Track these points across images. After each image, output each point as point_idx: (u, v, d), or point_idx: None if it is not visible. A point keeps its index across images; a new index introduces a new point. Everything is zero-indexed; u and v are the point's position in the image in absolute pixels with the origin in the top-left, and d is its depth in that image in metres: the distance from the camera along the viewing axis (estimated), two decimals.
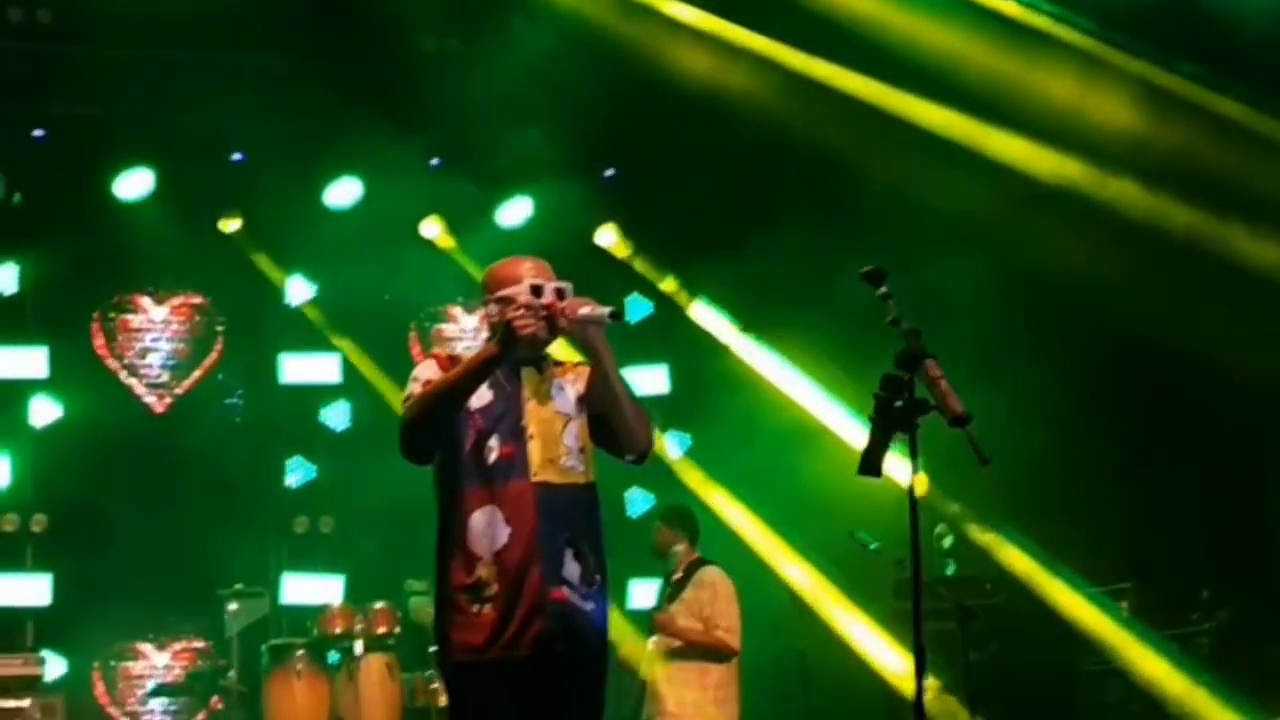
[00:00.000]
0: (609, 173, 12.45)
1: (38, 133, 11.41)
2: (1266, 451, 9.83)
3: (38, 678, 10.23)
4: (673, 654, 8.01)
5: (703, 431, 11.96)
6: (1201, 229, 9.66)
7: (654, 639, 8.09)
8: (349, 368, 12.05)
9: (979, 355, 8.35)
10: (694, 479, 11.61)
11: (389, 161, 11.39)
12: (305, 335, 12.13)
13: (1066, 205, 10.17)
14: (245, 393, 12.20)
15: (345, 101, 11.64)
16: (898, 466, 4.52)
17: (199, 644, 11.57)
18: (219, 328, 12.13)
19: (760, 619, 8.67)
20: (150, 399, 11.91)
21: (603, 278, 11.50)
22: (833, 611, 10.75)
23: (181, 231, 11.33)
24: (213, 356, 12.08)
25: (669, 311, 12.45)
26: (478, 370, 4.70)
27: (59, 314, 11.62)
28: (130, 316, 12.00)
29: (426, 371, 4.81)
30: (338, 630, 10.28)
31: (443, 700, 9.26)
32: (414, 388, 4.77)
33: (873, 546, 8.54)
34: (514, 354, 4.74)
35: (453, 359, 4.88)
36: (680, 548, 8.24)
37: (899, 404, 4.45)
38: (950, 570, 10.73)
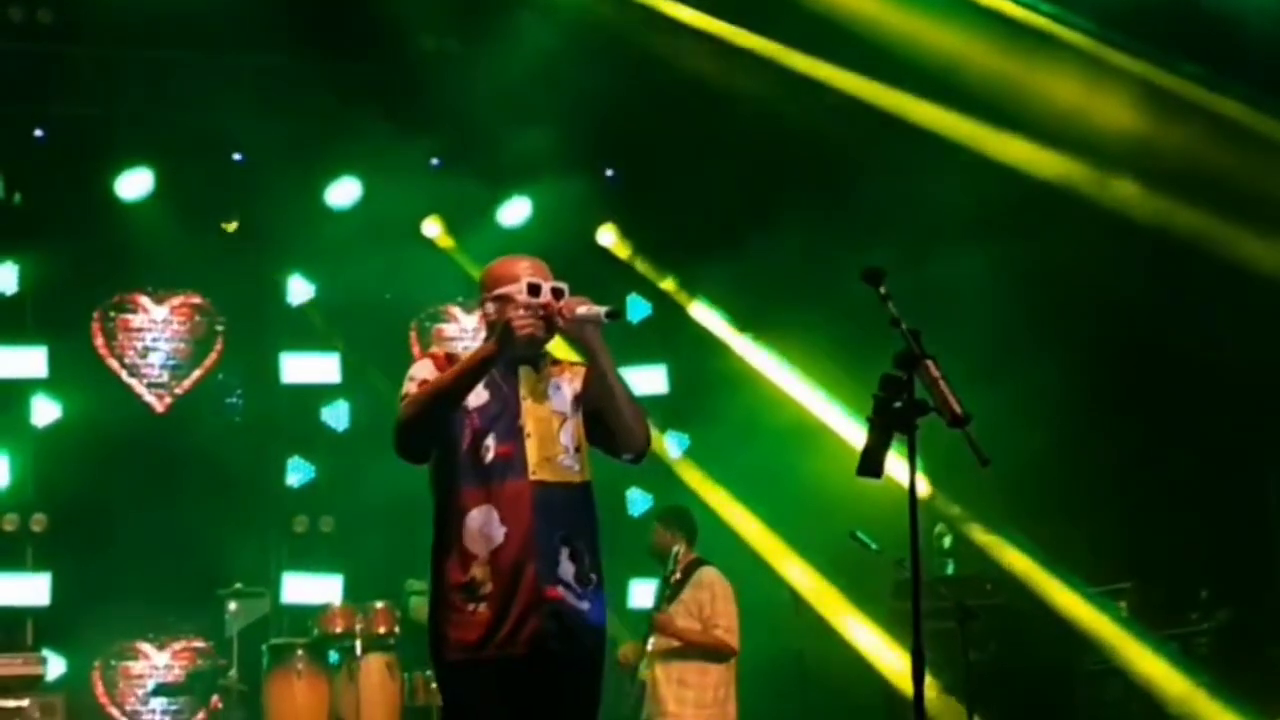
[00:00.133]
0: (609, 172, 12.44)
1: (38, 133, 11.41)
2: (1267, 452, 9.83)
3: (38, 677, 10.22)
4: (672, 654, 8.02)
5: (702, 431, 11.96)
6: (1205, 229, 9.66)
7: (653, 639, 8.10)
8: (349, 367, 12.05)
9: (980, 355, 8.34)
10: (693, 479, 11.61)
11: (389, 161, 11.40)
12: (305, 335, 12.14)
13: (1068, 205, 10.18)
14: (245, 392, 12.21)
15: (345, 101, 11.65)
16: (898, 467, 4.52)
17: (199, 643, 11.57)
18: (219, 327, 12.13)
19: (759, 619, 8.68)
20: (150, 399, 11.91)
21: (603, 277, 11.51)
22: (832, 611, 10.75)
23: (181, 231, 11.33)
24: (213, 356, 12.08)
25: (668, 311, 12.45)
26: (474, 369, 4.70)
27: (59, 314, 11.62)
28: (130, 316, 12.00)
29: (423, 371, 4.81)
30: (338, 630, 10.27)
31: None
32: (410, 387, 4.78)
33: (873, 547, 8.54)
34: (511, 353, 4.75)
35: (449, 358, 4.88)
36: (678, 548, 8.24)
37: (898, 404, 4.46)
38: (950, 570, 10.74)
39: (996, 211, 10.08)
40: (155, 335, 12.00)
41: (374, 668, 10.12)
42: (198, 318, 12.13)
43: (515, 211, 12.15)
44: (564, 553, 4.72)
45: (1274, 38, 9.35)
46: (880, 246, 9.18)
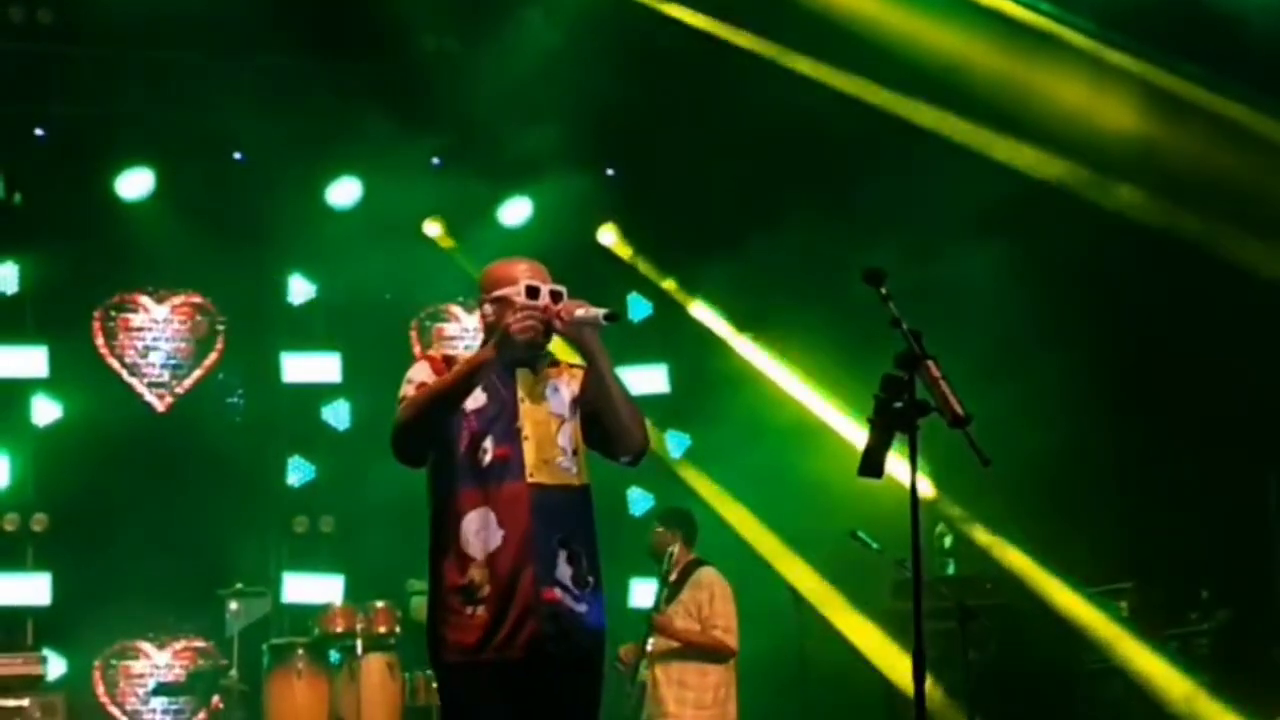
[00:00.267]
0: (610, 172, 12.44)
1: (38, 132, 11.41)
2: (1266, 452, 9.83)
3: (39, 677, 10.22)
4: (671, 655, 8.02)
5: (703, 431, 11.96)
6: (1206, 229, 9.66)
7: (652, 640, 8.10)
8: (349, 367, 12.05)
9: (980, 355, 8.34)
10: (693, 479, 11.62)
11: (390, 161, 11.40)
12: (306, 335, 12.14)
13: (1070, 205, 10.18)
14: (246, 392, 12.20)
15: (345, 101, 11.66)
16: (899, 467, 4.53)
17: (200, 643, 11.57)
18: (220, 327, 12.13)
19: (760, 618, 8.68)
20: (151, 398, 11.91)
21: (603, 277, 11.51)
22: (832, 611, 10.75)
23: (182, 231, 11.32)
24: (213, 356, 12.07)
25: (669, 311, 12.45)
26: (472, 373, 4.70)
27: (60, 313, 11.61)
28: (131, 316, 12.00)
29: (420, 374, 4.82)
30: (338, 629, 10.27)
31: None
32: (408, 390, 4.78)
33: (874, 546, 8.54)
34: (509, 356, 4.75)
35: (447, 360, 4.88)
36: (673, 549, 8.25)
37: (899, 405, 4.46)
38: (951, 570, 10.74)
39: (998, 211, 10.08)
40: (156, 335, 12.00)
41: (375, 668, 10.12)
42: (198, 317, 12.13)
43: (516, 211, 12.15)
44: (561, 555, 4.73)
45: (1276, 37, 9.34)
46: (881, 247, 9.18)
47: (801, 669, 8.98)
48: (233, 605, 10.27)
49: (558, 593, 4.69)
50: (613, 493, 11.39)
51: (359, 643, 10.16)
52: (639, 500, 12.18)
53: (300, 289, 12.11)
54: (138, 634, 11.56)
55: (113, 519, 10.99)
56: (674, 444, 12.34)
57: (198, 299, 12.13)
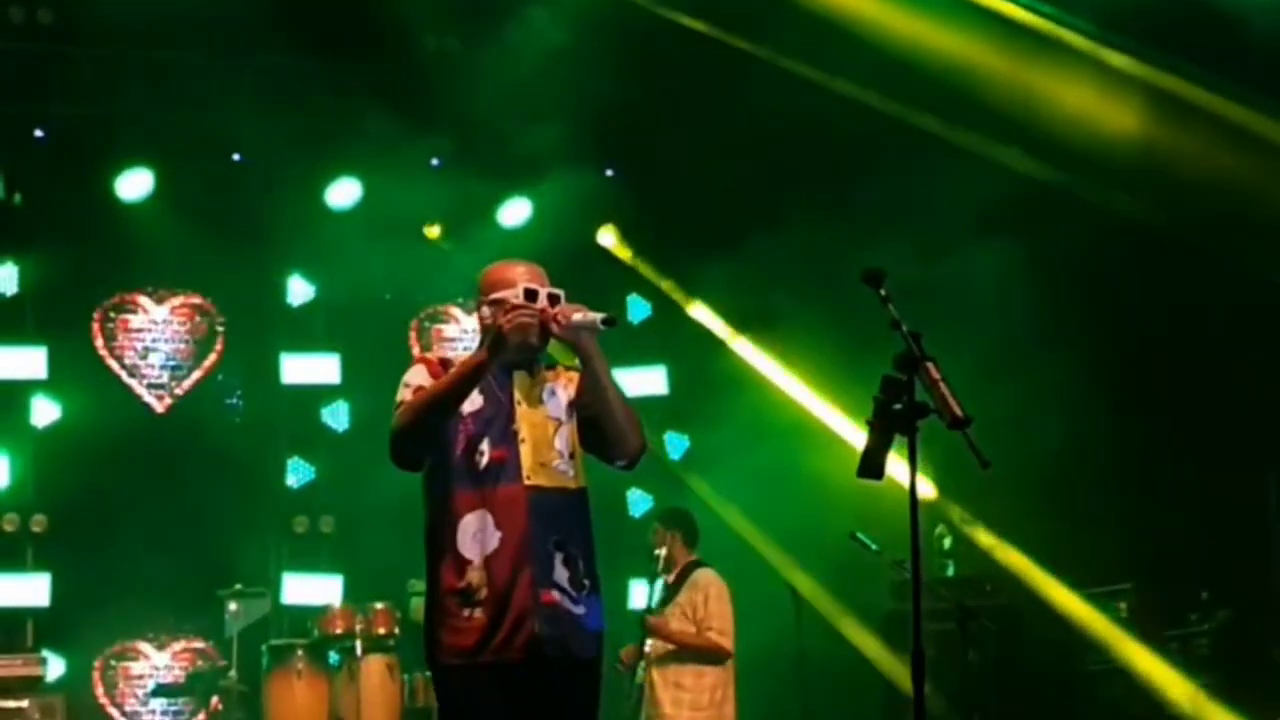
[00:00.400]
0: (610, 173, 12.44)
1: (38, 133, 11.41)
2: (1266, 453, 9.83)
3: (38, 678, 10.22)
4: (668, 657, 8.01)
5: (702, 433, 11.95)
6: (1207, 230, 9.66)
7: (650, 642, 8.09)
8: (349, 368, 12.05)
9: (980, 356, 8.34)
10: (693, 480, 11.61)
11: (389, 161, 11.40)
12: (305, 336, 12.14)
13: (1070, 205, 10.19)
14: (245, 393, 12.20)
15: (345, 101, 11.67)
16: (899, 468, 4.53)
17: (199, 644, 11.57)
18: (219, 328, 12.13)
19: (759, 619, 8.67)
20: (150, 399, 11.90)
21: (603, 278, 11.51)
22: (832, 612, 10.74)
23: (182, 232, 11.32)
24: (213, 357, 12.07)
25: (668, 312, 12.45)
26: (467, 377, 4.69)
27: (59, 314, 11.61)
28: (130, 316, 11.99)
29: (417, 378, 4.81)
30: (338, 630, 10.28)
31: None
32: (405, 394, 4.77)
33: (873, 548, 8.54)
34: (503, 358, 4.75)
35: (443, 363, 4.88)
36: (676, 550, 8.24)
37: (899, 406, 4.46)
38: (950, 571, 10.74)
39: (998, 212, 10.08)
40: (155, 336, 11.99)
41: (374, 669, 10.12)
42: (198, 318, 12.13)
43: (516, 212, 12.15)
44: (558, 558, 4.73)
45: (1277, 38, 9.34)
46: (881, 247, 9.18)
47: (801, 669, 8.97)
48: (232, 606, 10.27)
49: (555, 595, 4.69)
50: (612, 494, 11.40)
51: (358, 644, 10.16)
52: (638, 501, 12.19)
53: (300, 290, 12.12)
54: (137, 635, 11.56)
55: (112, 520, 10.98)
56: (673, 446, 12.34)
57: (197, 300, 12.13)
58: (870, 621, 10.67)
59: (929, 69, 10.19)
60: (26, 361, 11.36)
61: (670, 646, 8.02)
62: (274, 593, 11.28)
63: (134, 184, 11.43)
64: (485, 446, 4.75)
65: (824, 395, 11.42)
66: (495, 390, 4.81)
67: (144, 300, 12.05)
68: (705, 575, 8.14)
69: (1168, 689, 9.86)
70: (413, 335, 12.58)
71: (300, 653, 10.19)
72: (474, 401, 4.76)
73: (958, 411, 4.35)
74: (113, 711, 11.44)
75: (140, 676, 11.51)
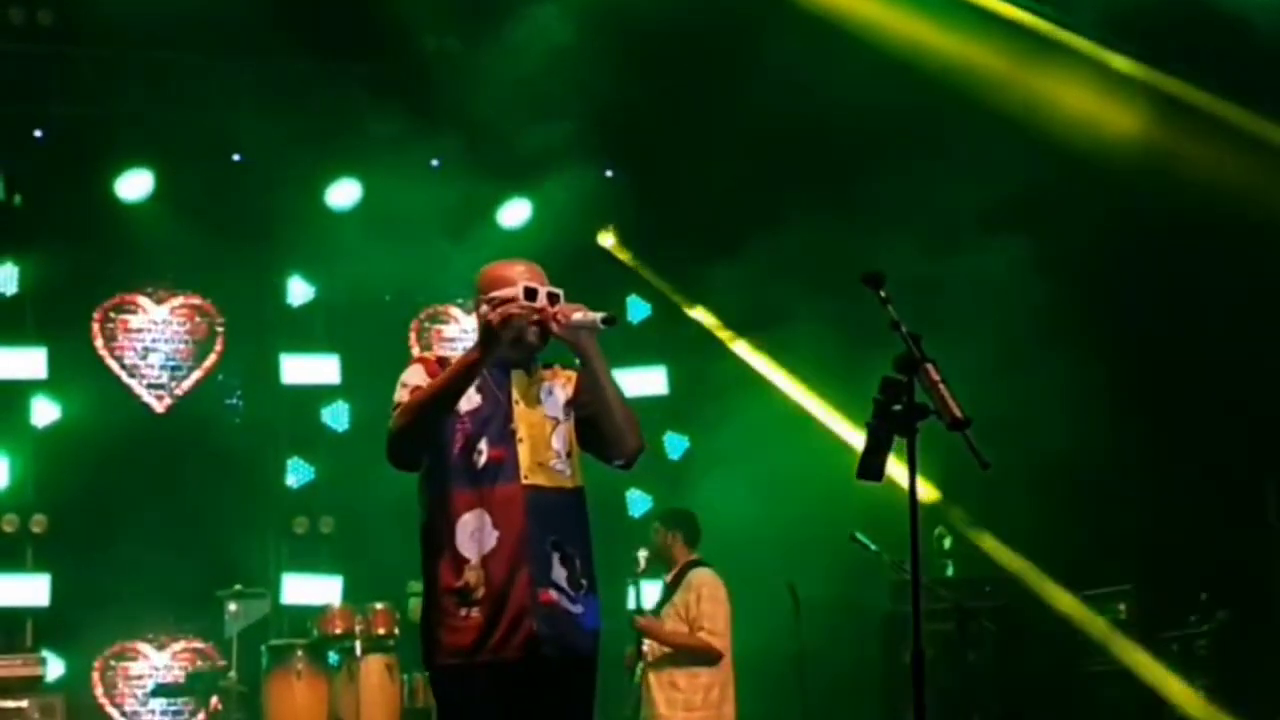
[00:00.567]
0: (609, 173, 12.44)
1: (38, 133, 11.41)
2: (1265, 454, 9.84)
3: (38, 678, 10.22)
4: (663, 657, 8.00)
5: (701, 433, 11.95)
6: (1208, 230, 9.67)
7: (647, 642, 8.09)
8: (349, 369, 12.05)
9: (980, 358, 8.35)
10: (692, 481, 11.60)
11: (389, 162, 11.41)
12: (305, 336, 12.14)
13: (1070, 209, 10.19)
14: (245, 393, 12.20)
15: (345, 102, 11.69)
16: (899, 469, 4.53)
17: (199, 644, 11.57)
18: (219, 328, 12.13)
19: (759, 620, 8.67)
20: (150, 400, 11.90)
21: (603, 278, 11.51)
22: (831, 613, 10.73)
23: (182, 232, 11.32)
24: (213, 357, 12.07)
25: (668, 313, 12.45)
26: (461, 375, 4.69)
27: (59, 315, 11.61)
28: (130, 317, 11.99)
29: (414, 377, 4.81)
30: (338, 631, 10.29)
31: None
32: (402, 394, 4.77)
33: (873, 548, 8.55)
34: (504, 357, 4.74)
35: (441, 362, 4.87)
36: (676, 549, 8.24)
37: (898, 408, 4.46)
38: (949, 572, 10.74)
39: (997, 214, 10.08)
40: (155, 336, 11.99)
41: (373, 669, 10.13)
42: (198, 318, 12.13)
43: (515, 213, 12.16)
44: (556, 557, 4.73)
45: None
46: (881, 248, 9.20)
47: (800, 670, 8.97)
48: (232, 606, 10.27)
49: (553, 594, 4.69)
50: (611, 494, 11.40)
51: (358, 644, 10.17)
52: (638, 501, 12.19)
53: (299, 290, 12.12)
54: (137, 635, 11.56)
55: (112, 520, 10.99)
56: (673, 446, 12.34)
57: (197, 300, 12.13)
58: (870, 622, 10.67)
59: (929, 70, 10.20)
60: (26, 362, 11.35)
61: (665, 647, 8.02)
62: (274, 593, 11.28)
63: (134, 184, 11.44)
64: (483, 446, 4.75)
65: (824, 396, 11.42)
66: (493, 389, 4.81)
67: (144, 300, 12.05)
68: (699, 575, 8.11)
69: (1167, 691, 9.87)
70: (413, 336, 12.58)
71: (300, 653, 10.20)
72: (472, 400, 4.76)
73: (957, 413, 4.36)
74: (112, 712, 11.44)
75: (140, 677, 11.51)
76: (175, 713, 11.47)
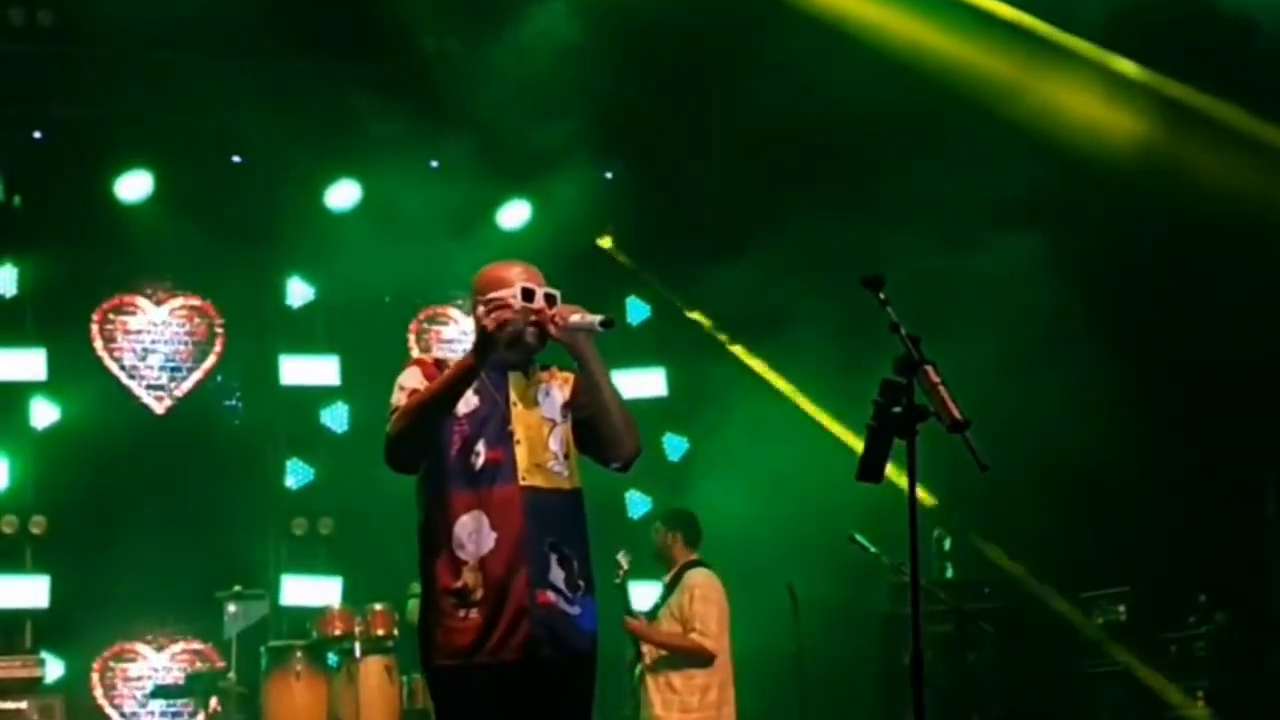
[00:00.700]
0: (609, 175, 12.44)
1: (37, 134, 11.41)
2: (1266, 456, 9.84)
3: (37, 679, 10.22)
4: (660, 659, 7.99)
5: (700, 435, 11.96)
6: (1210, 231, 9.68)
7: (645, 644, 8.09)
8: (348, 370, 12.05)
9: (979, 360, 8.35)
10: (692, 482, 11.61)
11: (389, 163, 11.41)
12: (305, 337, 12.14)
13: (1067, 210, 10.20)
14: (245, 394, 12.21)
15: (345, 103, 11.69)
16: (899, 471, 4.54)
17: (198, 645, 11.57)
18: (218, 329, 12.13)
19: (758, 621, 8.67)
20: (150, 401, 11.90)
21: (602, 280, 11.52)
22: (831, 614, 10.74)
23: (181, 233, 11.32)
24: (212, 359, 12.07)
25: (667, 314, 12.45)
26: (458, 379, 4.68)
27: (58, 316, 11.61)
28: (130, 318, 11.99)
29: (411, 380, 4.81)
30: (337, 632, 10.29)
31: None
32: (400, 397, 4.77)
33: (872, 550, 8.55)
34: (502, 358, 4.74)
35: (438, 364, 4.87)
36: (676, 550, 8.23)
37: (898, 409, 4.47)
38: (949, 574, 10.74)
39: (998, 213, 10.09)
40: (155, 337, 11.99)
41: (373, 670, 10.13)
42: (197, 320, 12.13)
43: (515, 214, 12.16)
44: (554, 558, 4.73)
45: None
46: (882, 249, 9.20)
47: (799, 671, 8.97)
48: (231, 607, 10.27)
49: (551, 596, 4.70)
50: (611, 495, 11.40)
51: (357, 645, 10.18)
52: (637, 503, 12.19)
53: (299, 291, 12.13)
54: (136, 636, 11.57)
55: (111, 521, 10.99)
56: (672, 447, 12.35)
57: (196, 301, 12.13)
58: (869, 624, 10.67)
59: (930, 71, 10.21)
60: (26, 363, 11.35)
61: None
62: (273, 594, 11.28)
63: (133, 185, 11.43)
64: (481, 447, 4.75)
65: (824, 397, 11.41)
66: (491, 391, 4.81)
67: (143, 302, 12.05)
68: (694, 576, 8.09)
69: (1166, 692, 9.87)
70: (412, 337, 12.58)
71: (299, 654, 10.20)
72: (469, 402, 4.76)
73: (957, 415, 4.36)
74: (111, 713, 11.44)
75: (139, 678, 11.52)
76: (174, 714, 11.47)
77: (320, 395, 12.12)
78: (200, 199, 11.47)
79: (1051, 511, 10.28)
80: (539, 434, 4.81)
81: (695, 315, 12.22)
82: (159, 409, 11.91)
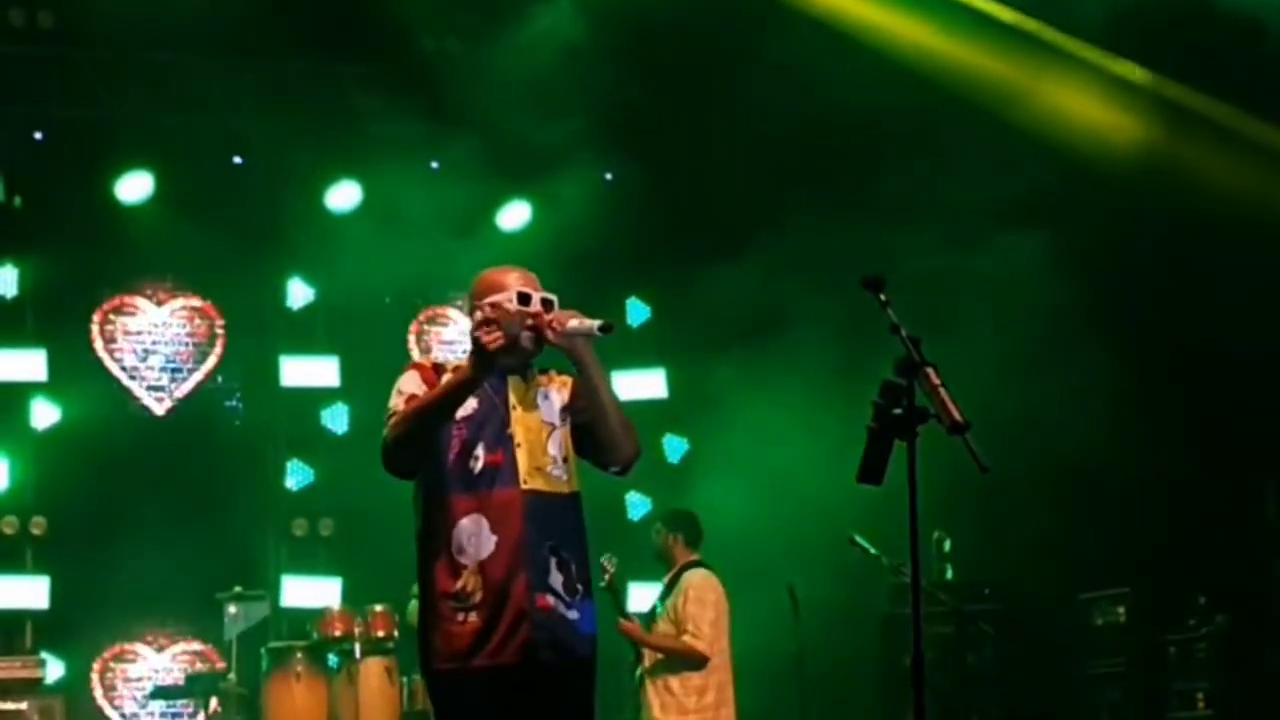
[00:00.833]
0: (609, 176, 12.44)
1: (38, 135, 11.41)
2: (1266, 458, 9.85)
3: (37, 680, 10.22)
4: (658, 662, 7.98)
5: (700, 436, 11.95)
6: (1210, 231, 9.69)
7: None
8: (348, 371, 12.05)
9: (979, 362, 8.35)
10: (692, 483, 11.60)
11: (389, 164, 11.41)
12: (305, 338, 12.14)
13: (1063, 210, 10.21)
14: (245, 395, 12.20)
15: (346, 103, 11.68)
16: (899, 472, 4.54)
17: (198, 646, 11.58)
18: (219, 330, 12.13)
19: (758, 622, 8.67)
20: (150, 402, 11.90)
21: (603, 281, 11.50)
22: (831, 615, 10.74)
23: (182, 234, 11.31)
24: (213, 359, 12.07)
25: (667, 315, 12.44)
26: (455, 392, 4.66)
27: (59, 316, 11.61)
28: (130, 319, 11.98)
29: (410, 385, 4.79)
30: (337, 633, 10.29)
31: None
32: (397, 402, 4.76)
33: (872, 551, 8.54)
34: (500, 363, 4.71)
35: (436, 368, 4.86)
36: (677, 551, 8.22)
37: (898, 411, 4.47)
38: (949, 575, 10.73)
39: (997, 214, 10.10)
40: (155, 338, 11.99)
41: (373, 671, 10.13)
42: (198, 321, 12.13)
43: (515, 215, 12.15)
44: (553, 562, 4.72)
45: None
46: (882, 250, 9.21)
47: (799, 673, 8.98)
48: (231, 609, 10.27)
49: (550, 599, 4.69)
50: (610, 497, 11.39)
51: (357, 646, 10.17)
52: (637, 504, 12.18)
53: (299, 292, 12.12)
54: (136, 637, 11.57)
55: (111, 522, 10.99)
56: (672, 449, 12.34)
57: (197, 302, 12.13)
58: (869, 624, 10.66)
59: (932, 72, 10.22)
60: (26, 364, 11.34)
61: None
62: (273, 595, 11.27)
63: (134, 186, 11.42)
64: (480, 451, 4.74)
65: (824, 398, 11.39)
66: (490, 394, 4.79)
67: (144, 303, 12.04)
68: (690, 577, 8.06)
69: (1166, 693, 9.88)
70: (412, 338, 12.58)
71: (299, 655, 10.19)
72: (467, 405, 4.74)
73: (957, 417, 4.36)
74: (111, 714, 11.44)
75: (139, 679, 11.51)
76: (174, 715, 11.48)
77: (320, 396, 12.12)
78: (201, 200, 11.47)
79: (1051, 512, 10.28)
80: (538, 438, 4.80)
81: (702, 311, 12.20)
82: (159, 410, 11.91)
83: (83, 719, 11.08)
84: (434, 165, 11.94)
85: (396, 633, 10.26)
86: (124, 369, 11.87)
